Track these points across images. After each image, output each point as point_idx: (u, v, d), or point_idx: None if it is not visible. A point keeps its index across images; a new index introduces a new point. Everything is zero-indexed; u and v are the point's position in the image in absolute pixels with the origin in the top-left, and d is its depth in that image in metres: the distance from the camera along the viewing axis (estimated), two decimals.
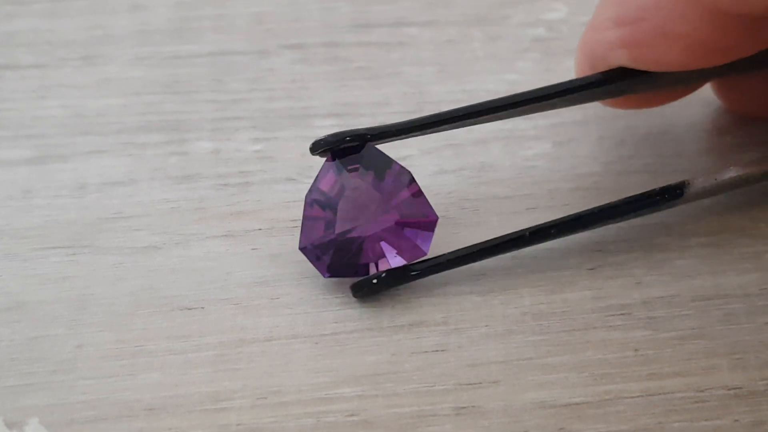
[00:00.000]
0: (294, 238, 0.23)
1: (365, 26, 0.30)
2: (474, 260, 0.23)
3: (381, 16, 0.30)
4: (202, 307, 0.22)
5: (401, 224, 0.22)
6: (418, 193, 0.22)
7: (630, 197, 0.23)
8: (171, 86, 0.28)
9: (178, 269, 0.23)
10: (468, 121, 0.23)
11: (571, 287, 0.23)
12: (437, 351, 0.22)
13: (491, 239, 0.22)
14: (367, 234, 0.22)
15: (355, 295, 0.22)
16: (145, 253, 0.23)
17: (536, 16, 0.30)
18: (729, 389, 0.21)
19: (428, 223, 0.22)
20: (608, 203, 0.23)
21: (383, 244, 0.22)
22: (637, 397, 0.21)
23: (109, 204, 0.24)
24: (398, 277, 0.22)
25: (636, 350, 0.22)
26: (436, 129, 0.23)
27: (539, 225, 0.22)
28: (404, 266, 0.22)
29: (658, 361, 0.21)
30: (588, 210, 0.23)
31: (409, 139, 0.23)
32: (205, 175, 0.25)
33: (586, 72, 0.23)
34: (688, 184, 0.23)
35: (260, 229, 0.24)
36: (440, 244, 0.23)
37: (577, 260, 0.23)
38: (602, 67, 0.23)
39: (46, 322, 0.22)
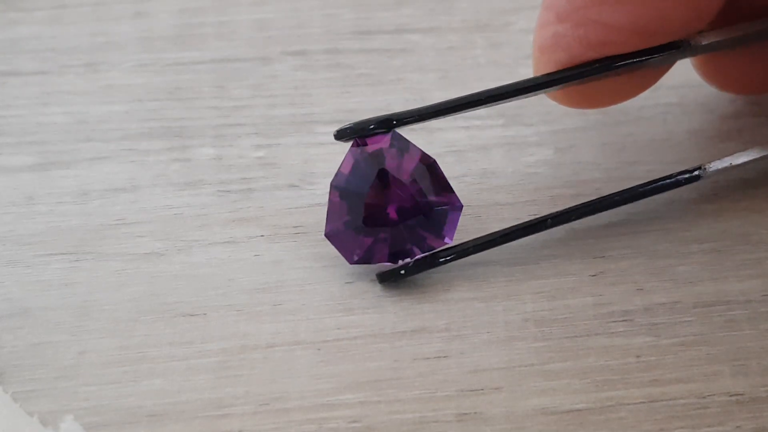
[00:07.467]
0: (296, 244, 0.24)
1: (367, 33, 0.30)
2: (499, 244, 0.23)
3: (383, 22, 0.30)
4: (205, 314, 0.22)
5: (424, 210, 0.22)
6: (442, 179, 0.22)
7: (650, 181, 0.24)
8: (173, 93, 0.28)
9: (181, 276, 0.23)
10: (491, 102, 0.23)
11: (573, 293, 0.23)
12: (439, 357, 0.22)
13: (514, 225, 0.23)
14: (392, 221, 0.22)
15: (381, 282, 0.23)
16: (148, 260, 0.23)
17: None
18: (731, 396, 0.21)
19: (453, 210, 0.23)
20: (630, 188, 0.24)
21: (407, 232, 0.22)
22: (639, 403, 0.21)
23: (112, 210, 0.25)
24: (426, 265, 0.23)
25: (638, 356, 0.22)
26: (459, 111, 0.23)
27: (560, 210, 0.23)
28: (431, 254, 0.22)
29: (660, 367, 0.21)
30: (608, 195, 0.23)
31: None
32: (208, 182, 0.25)
33: None
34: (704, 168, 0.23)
35: (263, 236, 0.24)
36: None
37: (579, 267, 0.23)
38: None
39: (49, 328, 0.22)
